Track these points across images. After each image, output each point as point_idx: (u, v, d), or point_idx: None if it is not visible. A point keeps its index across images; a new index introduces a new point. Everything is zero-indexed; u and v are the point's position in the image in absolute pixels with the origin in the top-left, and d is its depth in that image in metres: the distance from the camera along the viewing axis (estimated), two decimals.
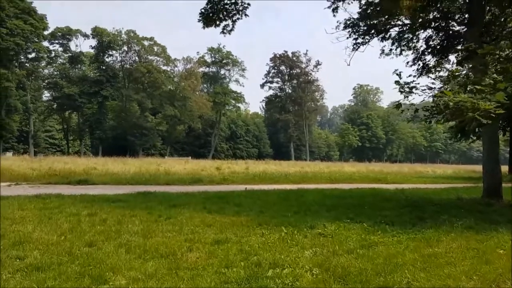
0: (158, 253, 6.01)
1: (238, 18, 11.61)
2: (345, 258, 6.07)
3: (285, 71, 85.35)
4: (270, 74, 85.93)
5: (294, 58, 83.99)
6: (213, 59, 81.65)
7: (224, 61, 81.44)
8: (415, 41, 13.46)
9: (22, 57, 58.98)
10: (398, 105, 9.30)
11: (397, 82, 9.47)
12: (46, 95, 72.37)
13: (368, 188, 18.55)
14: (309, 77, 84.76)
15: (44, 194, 12.10)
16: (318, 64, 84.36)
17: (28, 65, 61.27)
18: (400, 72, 9.61)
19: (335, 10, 12.18)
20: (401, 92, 9.58)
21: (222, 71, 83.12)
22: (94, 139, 71.17)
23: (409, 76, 21.89)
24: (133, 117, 68.50)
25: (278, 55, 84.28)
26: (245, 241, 6.94)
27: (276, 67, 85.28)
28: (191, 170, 25.27)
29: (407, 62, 14.19)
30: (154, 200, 11.95)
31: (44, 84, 69.60)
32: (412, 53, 14.27)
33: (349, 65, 13.60)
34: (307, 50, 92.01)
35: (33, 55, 60.43)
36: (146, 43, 68.92)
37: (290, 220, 8.90)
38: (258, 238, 7.22)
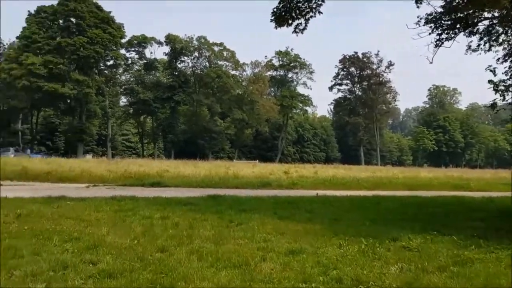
0: (230, 262, 5.69)
1: (311, 16, 11.15)
2: (438, 276, 5.38)
3: (355, 72, 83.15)
4: (339, 76, 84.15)
5: (365, 59, 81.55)
6: (281, 63, 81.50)
7: (292, 64, 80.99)
8: (510, 35, 12.14)
9: (101, 65, 62.61)
10: (493, 105, 8.30)
11: (490, 81, 8.48)
12: (123, 100, 76.34)
13: (450, 196, 17.16)
14: (381, 79, 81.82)
15: (119, 196, 12.39)
16: (390, 64, 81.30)
17: (106, 72, 64.90)
18: (495, 68, 8.59)
19: (418, 1, 11.29)
20: (496, 91, 8.55)
21: (290, 74, 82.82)
22: (167, 143, 73.80)
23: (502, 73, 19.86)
24: (203, 121, 70.15)
25: (347, 57, 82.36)
26: (322, 253, 6.44)
27: (345, 69, 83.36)
28: (259, 173, 25.08)
29: (498, 59, 12.86)
30: (224, 204, 11.79)
31: (121, 90, 73.35)
32: (503, 49, 12.91)
33: (431, 62, 12.56)
34: (378, 51, 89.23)
35: (111, 62, 63.95)
36: (216, 48, 70.42)
37: (369, 230, 8.25)
38: (335, 249, 6.69)
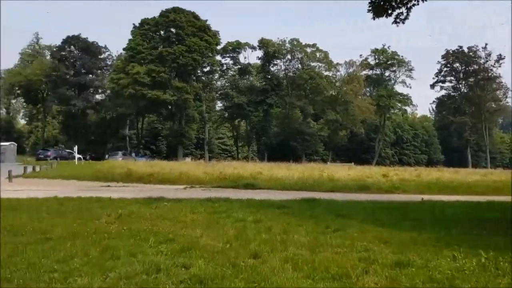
0: (329, 273, 5.16)
1: (414, 4, 10.15)
2: None
3: (460, 68, 76.77)
4: (442, 73, 78.25)
5: (471, 54, 74.95)
6: (377, 61, 78.24)
7: (389, 62, 77.35)
8: None
9: (198, 72, 65.40)
10: None
11: None
12: (219, 105, 78.90)
13: None
14: (489, 74, 74.60)
15: (214, 197, 12.45)
16: (500, 58, 73.70)
17: (203, 78, 67.64)
18: None
19: None
20: None
21: (387, 73, 79.13)
22: (260, 145, 74.80)
23: None
24: (296, 123, 69.90)
25: (451, 51, 76.33)
26: (434, 266, 5.62)
27: (449, 65, 77.32)
28: (355, 176, 23.99)
29: None
30: (320, 208, 11.23)
31: (217, 95, 75.92)
32: None
33: None
34: (486, 44, 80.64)
35: (207, 68, 66.49)
36: (308, 50, 69.82)
37: (488, 241, 7.14)
38: (449, 262, 5.81)
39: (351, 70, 73.53)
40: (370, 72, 79.13)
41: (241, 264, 5.43)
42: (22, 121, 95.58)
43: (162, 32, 60.03)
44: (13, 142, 51.64)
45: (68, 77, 60.41)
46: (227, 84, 74.49)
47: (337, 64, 72.54)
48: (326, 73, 72.24)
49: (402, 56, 77.32)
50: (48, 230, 7.36)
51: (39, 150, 52.56)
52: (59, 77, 59.39)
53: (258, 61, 72.14)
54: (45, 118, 68.95)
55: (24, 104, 78.63)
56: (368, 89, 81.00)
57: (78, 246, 6.19)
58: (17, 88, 63.28)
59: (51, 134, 73.61)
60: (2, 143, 49.60)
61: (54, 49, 64.37)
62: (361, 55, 78.04)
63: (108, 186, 18.71)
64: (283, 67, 72.37)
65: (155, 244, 6.48)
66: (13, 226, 7.61)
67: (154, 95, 54.32)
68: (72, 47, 63.91)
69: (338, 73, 73.66)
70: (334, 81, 73.18)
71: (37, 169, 26.89)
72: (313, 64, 70.84)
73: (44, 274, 4.88)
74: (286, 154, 65.87)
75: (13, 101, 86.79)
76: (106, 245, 6.27)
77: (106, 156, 53.02)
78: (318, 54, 70.48)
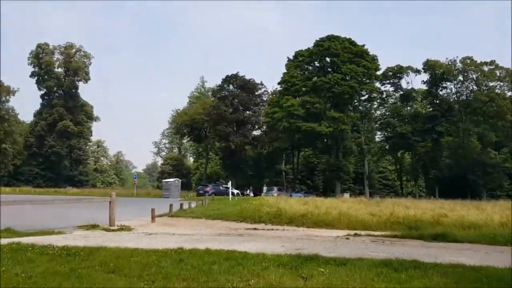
0: None
1: None
2: None
3: None
4: None
5: None
6: None
7: None
8: None
9: (355, 101, 61.29)
10: None
11: None
12: (379, 135, 73.04)
13: None
14: None
15: (395, 258, 8.05)
16: None
17: (361, 108, 63.19)
18: None
19: None
20: None
21: None
22: (428, 179, 66.06)
23: None
24: (473, 153, 59.70)
25: None
26: None
27: None
28: None
29: None
30: None
31: (376, 125, 70.42)
32: None
33: None
34: None
35: (365, 97, 61.93)
36: (485, 68, 59.89)
37: None
38: None
39: None
40: None
41: None
42: (191, 159, 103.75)
43: (316, 62, 57.97)
44: (177, 179, 54.29)
45: (227, 114, 62.21)
46: (387, 113, 68.63)
47: None
48: (510, 93, 60.83)
49: None
50: None
51: (199, 186, 54.15)
52: (218, 115, 61.51)
53: (423, 86, 64.77)
54: (207, 154, 72.27)
55: (191, 142, 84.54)
56: None
57: None
58: (183, 128, 67.65)
59: (213, 170, 76.95)
60: (167, 180, 52.55)
61: (215, 89, 67.60)
62: None
63: (255, 229, 15.65)
64: (454, 90, 63.51)
65: None
66: None
67: (308, 127, 51.76)
68: (230, 85, 66.23)
69: None
70: None
71: (193, 205, 25.85)
72: (492, 84, 60.39)
73: None
74: (461, 189, 56.37)
75: (184, 141, 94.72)
76: None
77: (264, 190, 51.89)
78: (498, 72, 59.88)
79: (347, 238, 12.11)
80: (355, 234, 13.31)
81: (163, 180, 55.26)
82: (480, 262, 8.09)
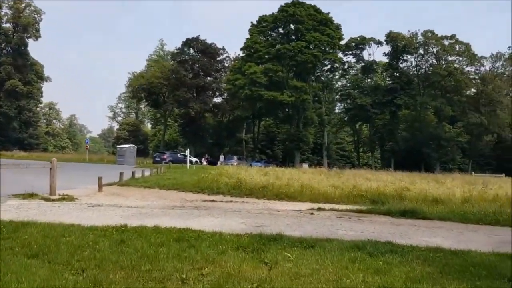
0: None
1: None
2: None
3: None
4: None
5: None
6: None
7: None
8: None
9: (318, 71, 60.56)
10: None
11: None
12: (339, 107, 73.26)
13: None
14: None
15: (366, 240, 7.21)
16: None
17: (323, 78, 62.68)
18: None
19: None
20: None
21: None
22: (384, 152, 67.21)
23: None
24: (429, 127, 60.89)
25: None
26: None
27: None
28: None
29: None
30: None
31: (337, 96, 70.44)
32: None
33: None
34: None
35: (328, 67, 61.36)
36: (446, 42, 60.37)
37: None
38: None
39: (498, 64, 62.12)
40: None
41: None
42: (148, 125, 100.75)
43: (280, 29, 56.43)
44: (133, 145, 52.19)
45: (186, 79, 59.96)
46: (348, 84, 68.62)
47: (482, 57, 61.65)
48: (468, 68, 61.93)
49: None
50: None
51: (156, 153, 52.35)
52: (178, 79, 59.16)
53: (385, 58, 64.80)
54: (165, 121, 70.03)
55: (149, 108, 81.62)
56: None
57: None
58: (140, 92, 64.80)
59: (171, 137, 74.91)
60: (122, 146, 50.37)
61: (175, 52, 64.77)
62: (509, 47, 66.01)
63: (213, 201, 14.63)
64: (414, 63, 63.91)
65: None
66: None
67: (270, 96, 50.69)
68: (191, 49, 63.70)
69: (483, 68, 62.62)
70: (477, 77, 62.30)
71: (147, 173, 24.40)
72: (451, 58, 61.12)
73: None
74: (416, 162, 57.64)
75: (142, 106, 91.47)
76: None
77: (220, 160, 50.67)
78: (457, 47, 60.60)
79: (311, 213, 11.30)
80: (319, 209, 12.55)
81: (118, 146, 53.02)
82: (457, 244, 7.43)
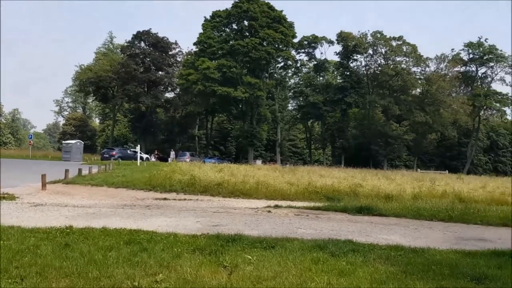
0: None
1: None
2: None
3: None
4: None
5: None
6: (471, 56, 68.63)
7: (486, 57, 67.45)
8: None
9: (271, 68, 60.67)
10: None
11: None
12: (292, 104, 73.97)
13: None
14: None
15: (327, 239, 7.06)
16: None
17: (276, 75, 62.91)
18: None
19: None
20: None
21: (483, 69, 69.24)
22: (335, 148, 68.54)
23: None
24: (378, 125, 62.73)
25: None
26: None
27: None
28: (495, 195, 17.49)
29: None
30: None
31: (290, 94, 71.01)
32: None
33: None
34: None
35: (281, 64, 61.65)
36: (394, 43, 62.26)
37: None
38: None
39: (442, 65, 64.90)
40: (463, 69, 69.62)
41: None
42: (96, 120, 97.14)
43: (234, 25, 55.96)
44: (79, 140, 50.03)
45: (137, 73, 58.15)
46: (301, 82, 69.26)
47: (427, 59, 64.20)
48: (414, 69, 64.24)
49: (501, 51, 67.28)
50: None
51: (104, 150, 50.43)
52: (128, 73, 57.16)
53: (336, 57, 65.94)
54: (114, 116, 67.69)
55: (97, 102, 78.59)
56: (461, 88, 71.55)
57: None
58: (88, 86, 62.14)
59: (120, 132, 72.57)
60: (68, 141, 48.12)
61: (125, 45, 62.59)
62: (453, 49, 69.23)
63: (165, 199, 14.08)
64: (364, 63, 65.53)
65: None
66: None
67: (224, 92, 50.11)
68: (142, 42, 61.86)
69: (428, 69, 65.19)
70: (423, 77, 64.78)
71: (95, 170, 23.23)
72: (398, 59, 63.08)
73: None
74: (364, 158, 59.21)
75: (89, 100, 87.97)
76: None
77: (171, 156, 49.57)
78: (405, 48, 62.66)
79: (269, 211, 11.07)
80: (276, 206, 12.36)
81: (64, 142, 50.55)
82: (414, 241, 7.44)
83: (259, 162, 55.72)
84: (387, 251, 6.30)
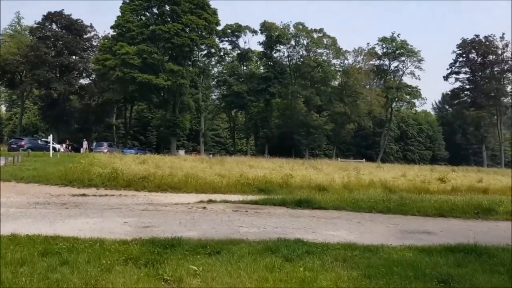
0: None
1: None
2: None
3: (476, 59, 71.14)
4: (457, 64, 72.66)
5: (488, 43, 69.43)
6: (385, 50, 72.50)
7: (398, 51, 71.63)
8: None
9: (194, 56, 59.09)
10: None
11: None
12: (215, 93, 72.99)
13: None
14: (506, 66, 69.43)
15: (277, 240, 6.47)
16: None
17: (200, 63, 61.48)
18: None
19: None
20: None
21: (395, 63, 73.49)
22: (259, 138, 68.95)
23: None
24: (300, 115, 64.03)
25: (468, 41, 70.73)
26: None
27: (465, 55, 71.69)
28: (408, 182, 18.19)
29: None
30: None
31: (213, 82, 69.94)
32: None
33: None
34: (503, 34, 76.74)
35: (205, 52, 60.30)
36: (315, 35, 63.62)
37: None
38: None
39: (359, 58, 67.77)
40: (377, 62, 73.36)
41: None
42: (3, 108, 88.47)
43: (155, 9, 53.43)
44: None
45: (48, 57, 53.45)
46: (225, 71, 68.40)
47: (346, 51, 66.59)
48: (334, 61, 66.31)
49: (412, 46, 71.83)
50: None
51: (12, 139, 45.87)
52: (38, 57, 52.18)
53: (260, 47, 65.98)
54: (23, 103, 61.96)
55: (3, 88, 71.40)
56: (375, 80, 75.45)
57: None
58: None
59: (30, 121, 66.73)
60: None
61: (34, 27, 57.13)
62: (368, 43, 72.50)
63: (84, 195, 12.67)
64: (286, 54, 66.26)
65: None
66: None
67: (145, 79, 47.75)
68: (53, 24, 56.95)
69: (346, 61, 67.66)
70: (341, 70, 67.11)
71: (1, 163, 20.65)
72: (319, 51, 64.71)
73: None
74: (287, 148, 60.26)
75: None
76: None
77: (84, 146, 46.41)
78: (325, 40, 64.33)
79: (204, 208, 10.27)
80: (210, 201, 11.57)
81: None
82: (361, 236, 7.13)
83: (182, 152, 54.25)
84: (342, 251, 5.86)
